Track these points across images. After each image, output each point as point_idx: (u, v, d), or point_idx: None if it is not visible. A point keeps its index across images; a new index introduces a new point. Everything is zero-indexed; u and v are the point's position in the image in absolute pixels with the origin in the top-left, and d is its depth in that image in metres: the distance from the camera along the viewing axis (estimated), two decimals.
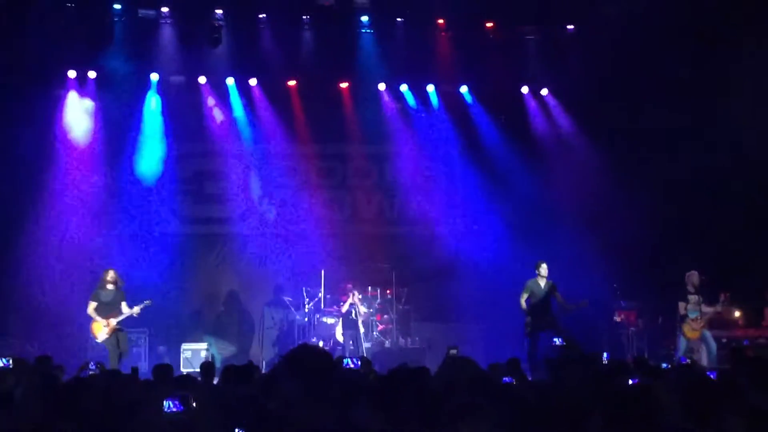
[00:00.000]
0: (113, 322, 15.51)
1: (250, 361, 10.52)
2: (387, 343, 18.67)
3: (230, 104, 19.68)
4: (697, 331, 15.88)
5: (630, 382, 7.25)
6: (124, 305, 15.66)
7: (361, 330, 18.12)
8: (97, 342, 15.64)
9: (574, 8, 19.03)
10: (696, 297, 16.03)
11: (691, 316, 15.93)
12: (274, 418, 4.43)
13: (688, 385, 6.23)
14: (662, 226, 18.41)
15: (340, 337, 17.96)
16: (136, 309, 15.63)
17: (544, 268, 16.43)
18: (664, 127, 18.65)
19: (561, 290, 16.69)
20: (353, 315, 17.94)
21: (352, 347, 17.62)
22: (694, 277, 16.12)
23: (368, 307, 18.71)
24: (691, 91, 18.17)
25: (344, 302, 17.97)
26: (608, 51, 18.49)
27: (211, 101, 19.54)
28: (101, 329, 15.52)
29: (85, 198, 18.73)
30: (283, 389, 4.33)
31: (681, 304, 16.06)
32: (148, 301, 15.83)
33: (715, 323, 16.67)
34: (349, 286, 18.13)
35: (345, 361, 8.41)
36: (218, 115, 19.57)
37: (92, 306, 15.61)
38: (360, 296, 18.23)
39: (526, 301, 16.23)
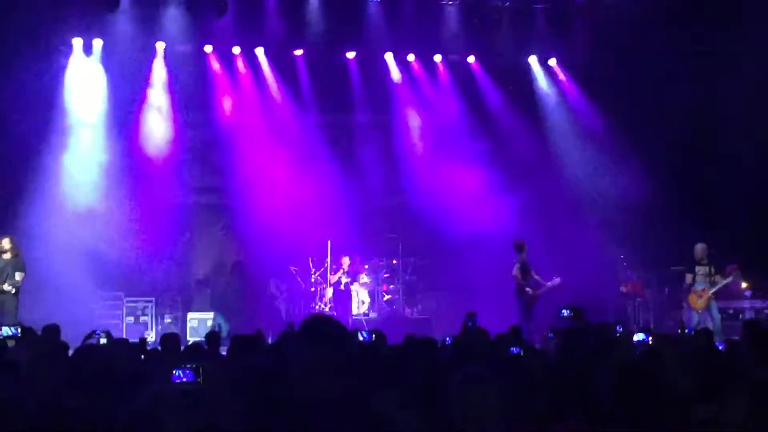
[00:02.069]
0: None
1: (258, 329, 10.49)
2: (393, 312, 18.72)
3: (236, 73, 19.59)
4: (703, 300, 15.77)
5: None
6: (17, 275, 15.01)
7: (358, 300, 18.33)
8: None
9: None
10: (705, 268, 15.88)
11: (699, 287, 15.82)
12: (287, 387, 4.41)
13: (696, 357, 6.23)
14: (671, 196, 18.33)
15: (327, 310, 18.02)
16: (7, 286, 14.84)
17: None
18: (673, 97, 18.55)
19: (568, 261, 16.75)
20: (341, 287, 18.06)
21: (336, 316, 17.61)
22: (698, 248, 15.97)
23: (374, 278, 18.78)
24: (700, 61, 18.07)
25: (334, 274, 18.13)
26: (617, 22, 18.41)
27: (217, 69, 19.46)
28: None
29: (90, 167, 18.63)
30: (297, 358, 4.29)
31: (688, 275, 15.99)
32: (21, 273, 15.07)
33: (721, 294, 16.59)
34: (344, 259, 18.25)
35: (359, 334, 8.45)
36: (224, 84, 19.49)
37: None
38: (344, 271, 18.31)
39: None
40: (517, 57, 20.35)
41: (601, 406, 4.99)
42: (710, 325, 15.61)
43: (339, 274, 18.06)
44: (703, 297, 15.76)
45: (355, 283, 18.50)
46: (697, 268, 15.91)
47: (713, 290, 15.77)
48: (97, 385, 5.24)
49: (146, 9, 18.33)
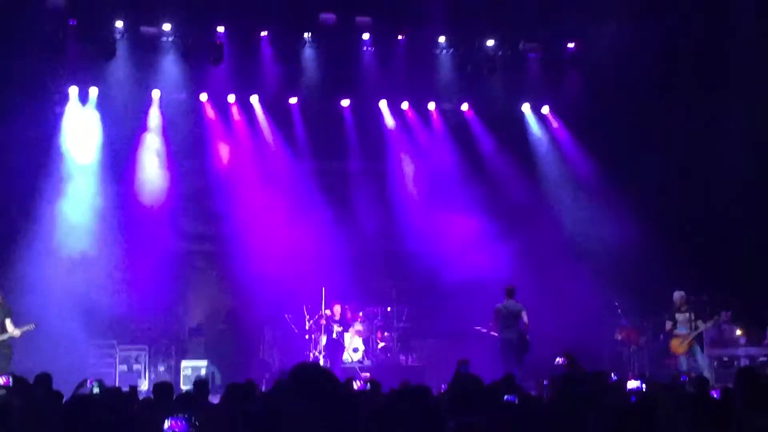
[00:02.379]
0: None
1: (249, 380, 10.42)
2: (387, 360, 18.65)
3: (231, 121, 19.69)
4: (684, 345, 16.27)
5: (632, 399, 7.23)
6: (8, 323, 15.09)
7: (351, 347, 18.27)
8: None
9: (574, 26, 19.10)
10: (685, 315, 16.44)
11: (681, 332, 16.34)
12: None
13: (690, 404, 6.20)
14: (664, 242, 18.39)
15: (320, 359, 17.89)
16: (17, 331, 14.97)
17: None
18: (665, 144, 18.72)
19: (564, 309, 16.82)
20: (333, 335, 17.90)
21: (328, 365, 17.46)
22: (677, 296, 16.55)
23: (368, 326, 18.75)
24: (693, 108, 18.26)
25: (325, 322, 18.01)
26: (609, 69, 18.59)
27: (212, 116, 19.56)
28: None
29: (85, 213, 18.62)
30: (286, 408, 4.29)
31: (668, 323, 16.64)
32: (31, 325, 15.22)
33: (717, 342, 16.81)
34: (336, 308, 18.27)
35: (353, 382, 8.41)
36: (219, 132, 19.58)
37: None
38: (343, 320, 18.31)
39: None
40: (510, 104, 20.48)
41: None
42: (700, 369, 15.77)
43: (326, 322, 17.94)
44: (684, 342, 16.29)
45: (350, 330, 18.42)
46: (677, 316, 16.48)
47: (693, 334, 16.30)
48: None
49: (142, 57, 18.44)
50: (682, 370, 15.65)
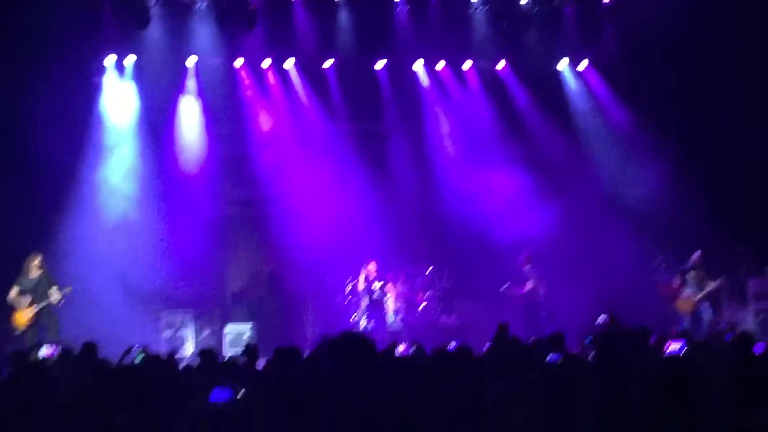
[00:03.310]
0: (34, 309, 15.00)
1: (292, 346, 10.49)
2: (429, 320, 18.69)
3: (267, 86, 19.69)
4: (689, 305, 16.80)
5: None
6: (54, 290, 15.16)
7: (390, 309, 18.08)
8: (17, 333, 15.07)
9: None
10: (698, 273, 16.87)
11: (688, 291, 16.84)
12: (318, 403, 4.45)
13: (733, 363, 6.14)
14: (709, 199, 18.20)
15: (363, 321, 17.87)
16: (58, 294, 15.03)
17: None
18: (704, 98, 18.49)
19: (607, 266, 16.96)
20: (375, 296, 17.72)
21: (371, 328, 17.45)
22: (695, 256, 17.04)
23: (409, 286, 18.75)
24: (732, 62, 17.97)
25: (363, 282, 17.80)
26: (646, 22, 18.35)
27: (247, 82, 19.57)
28: (22, 318, 15.04)
29: (126, 180, 18.78)
30: (326, 376, 4.33)
31: (675, 279, 17.17)
32: (68, 288, 15.30)
33: (761, 294, 16.89)
34: (371, 265, 18.00)
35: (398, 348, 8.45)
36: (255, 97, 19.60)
37: (14, 292, 15.17)
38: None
39: None
40: (546, 61, 20.27)
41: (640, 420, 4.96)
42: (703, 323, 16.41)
43: (361, 278, 17.79)
44: (690, 301, 16.77)
45: (390, 292, 18.37)
46: (689, 274, 16.94)
47: (700, 295, 16.75)
48: (139, 403, 5.30)
49: (177, 24, 18.46)
50: (684, 327, 15.86)
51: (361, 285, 17.78)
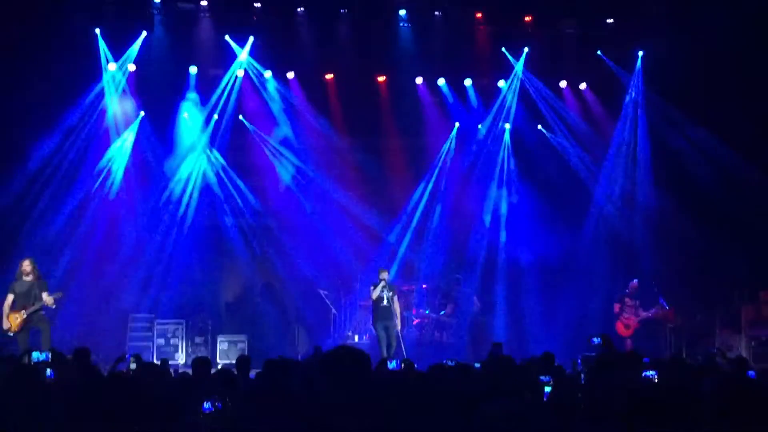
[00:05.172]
0: (24, 314, 14.76)
1: (280, 356, 10.47)
2: (422, 336, 18.65)
3: (268, 97, 19.69)
4: (630, 329, 17.86)
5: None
6: (45, 295, 14.88)
7: (398, 317, 16.73)
8: (10, 335, 14.84)
9: (613, 2, 18.89)
10: (635, 301, 17.93)
11: (626, 316, 17.89)
12: (311, 418, 4.44)
13: (727, 388, 6.14)
14: (707, 225, 18.20)
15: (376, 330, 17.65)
16: (49, 299, 14.76)
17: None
18: (704, 123, 18.58)
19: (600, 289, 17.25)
20: (385, 302, 16.37)
21: (385, 339, 16.35)
22: (634, 283, 18.03)
23: (402, 303, 18.67)
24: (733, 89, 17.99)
25: (374, 288, 16.52)
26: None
27: (248, 92, 19.59)
28: (14, 321, 14.83)
29: (123, 193, 18.80)
30: (318, 391, 4.32)
31: (616, 305, 18.03)
32: (59, 293, 15.10)
33: (754, 322, 17.01)
34: (383, 273, 16.87)
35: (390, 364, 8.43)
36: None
37: (9, 299, 14.91)
38: (385, 285, 16.64)
39: None
40: (546, 81, 20.30)
41: None
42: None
43: (380, 285, 16.40)
44: (630, 326, 17.88)
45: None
46: (626, 300, 17.90)
47: (638, 320, 17.88)
48: (131, 414, 5.28)
49: (179, 34, 18.45)
50: (627, 350, 16.37)
51: (375, 292, 16.45)
